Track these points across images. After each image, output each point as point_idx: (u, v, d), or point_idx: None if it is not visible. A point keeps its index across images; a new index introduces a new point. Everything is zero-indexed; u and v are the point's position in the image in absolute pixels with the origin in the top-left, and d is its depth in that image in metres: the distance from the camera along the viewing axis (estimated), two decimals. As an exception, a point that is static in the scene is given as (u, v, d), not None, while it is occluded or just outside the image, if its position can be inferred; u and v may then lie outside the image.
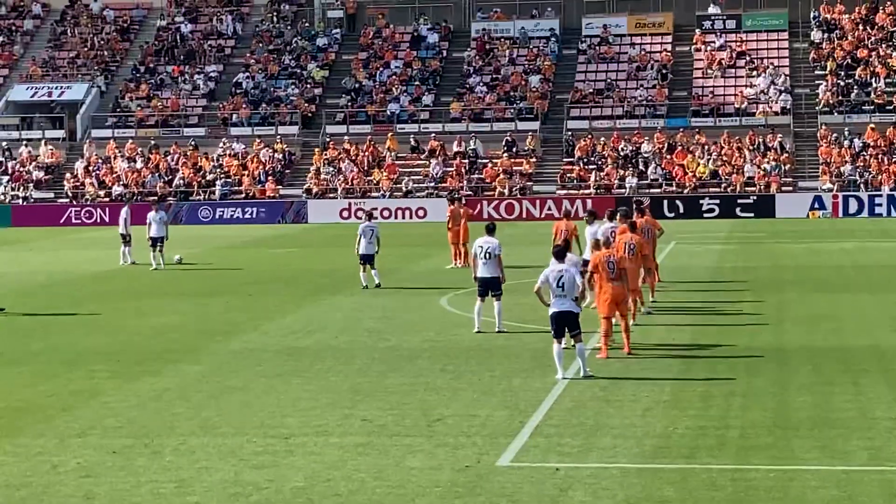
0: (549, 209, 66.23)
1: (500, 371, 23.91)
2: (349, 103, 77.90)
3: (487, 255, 28.69)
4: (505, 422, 19.74)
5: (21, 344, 28.33)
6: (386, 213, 67.99)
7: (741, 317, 30.64)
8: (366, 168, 73.43)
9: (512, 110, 75.90)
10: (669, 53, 78.96)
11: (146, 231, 44.45)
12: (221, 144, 75.94)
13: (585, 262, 28.30)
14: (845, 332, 28.07)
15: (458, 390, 22.24)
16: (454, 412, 20.50)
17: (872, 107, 73.03)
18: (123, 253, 46.19)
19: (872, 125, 71.37)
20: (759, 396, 21.24)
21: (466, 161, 73.04)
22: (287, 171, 74.86)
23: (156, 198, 68.44)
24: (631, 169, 70.80)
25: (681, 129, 72.81)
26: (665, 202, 67.05)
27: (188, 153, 75.56)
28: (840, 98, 73.59)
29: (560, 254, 23.89)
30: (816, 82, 75.68)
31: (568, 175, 71.27)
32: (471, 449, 18.13)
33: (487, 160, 73.23)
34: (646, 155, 71.72)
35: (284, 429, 19.55)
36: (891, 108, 72.47)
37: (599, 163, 71.60)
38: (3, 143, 78.40)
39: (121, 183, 73.94)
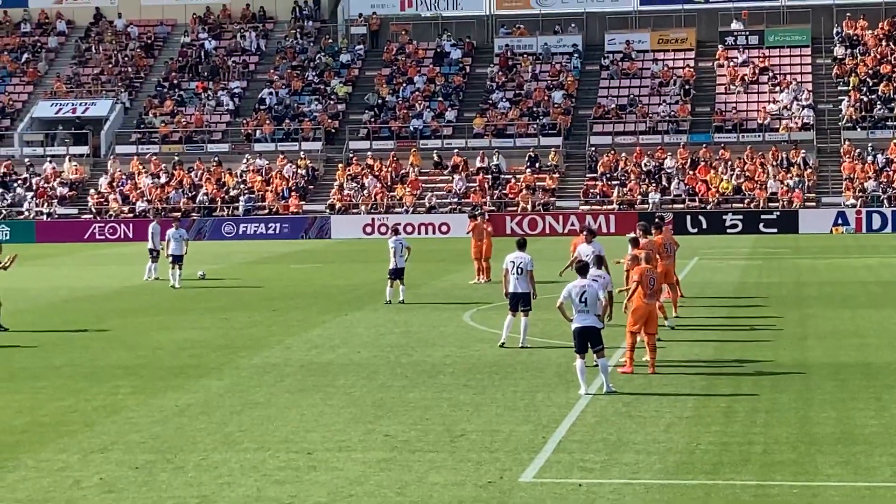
0: (573, 224, 66.03)
1: (523, 386, 23.87)
2: (372, 119, 78.02)
3: (519, 271, 28.69)
4: (528, 437, 19.70)
5: (43, 359, 28.38)
6: (409, 229, 67.94)
7: (764, 332, 30.52)
8: (389, 183, 73.53)
9: (535, 126, 75.92)
10: (692, 69, 78.95)
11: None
12: (245, 160, 76.13)
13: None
14: (869, 348, 27.95)
15: (480, 405, 22.20)
16: (477, 427, 20.47)
17: (896, 122, 72.94)
18: (149, 269, 46.17)
19: (896, 141, 71.25)
20: (782, 412, 21.17)
21: (489, 177, 73.08)
22: (310, 186, 74.99)
23: (178, 214, 68.62)
24: (654, 184, 70.76)
25: (704, 145, 72.74)
26: (688, 217, 66.97)
27: (212, 169, 75.75)
28: (863, 114, 73.44)
29: (582, 269, 23.86)
30: (839, 98, 75.57)
31: (591, 190, 71.26)
32: (494, 464, 18.09)
33: (510, 176, 73.25)
34: (669, 170, 71.67)
35: (307, 444, 19.54)
36: (914, 123, 72.43)
37: (622, 178, 71.55)
38: (27, 160, 78.75)
39: (144, 199, 74.15)
